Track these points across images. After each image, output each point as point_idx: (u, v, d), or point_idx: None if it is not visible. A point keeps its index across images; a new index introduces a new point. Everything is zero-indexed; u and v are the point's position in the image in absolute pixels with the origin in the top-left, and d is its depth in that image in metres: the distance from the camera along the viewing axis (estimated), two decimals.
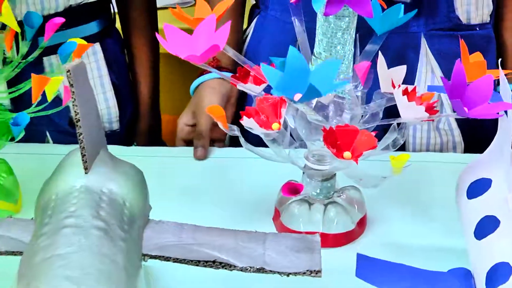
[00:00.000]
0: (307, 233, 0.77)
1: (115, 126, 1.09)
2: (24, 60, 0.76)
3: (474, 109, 0.64)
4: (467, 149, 1.06)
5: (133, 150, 1.01)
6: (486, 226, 0.67)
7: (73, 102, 0.63)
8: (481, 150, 0.75)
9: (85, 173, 0.65)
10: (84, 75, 0.65)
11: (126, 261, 0.59)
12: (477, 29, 1.00)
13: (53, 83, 0.69)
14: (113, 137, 1.05)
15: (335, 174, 0.79)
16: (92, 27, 1.02)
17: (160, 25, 1.15)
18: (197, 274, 0.71)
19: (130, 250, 0.61)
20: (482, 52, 0.95)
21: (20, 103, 0.80)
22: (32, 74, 0.69)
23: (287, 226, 0.79)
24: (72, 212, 0.61)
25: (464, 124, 1.03)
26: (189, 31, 0.72)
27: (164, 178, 0.87)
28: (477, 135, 1.04)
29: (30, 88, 0.76)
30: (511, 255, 0.62)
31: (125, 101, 1.10)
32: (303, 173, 0.79)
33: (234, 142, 1.05)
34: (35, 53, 0.79)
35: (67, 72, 0.63)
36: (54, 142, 1.03)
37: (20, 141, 0.79)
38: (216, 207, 0.86)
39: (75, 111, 0.63)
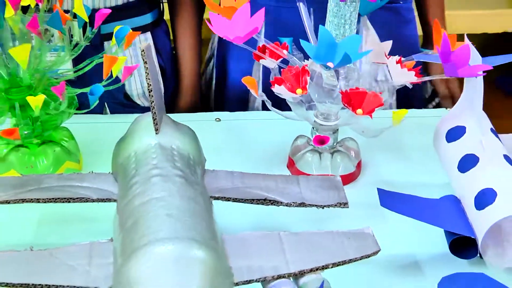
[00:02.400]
0: (321, 175, 0.86)
1: None
2: (85, 44, 0.81)
3: (460, 70, 0.73)
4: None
5: None
6: (467, 162, 0.76)
7: (146, 75, 0.68)
8: None
9: (156, 133, 0.70)
10: (152, 54, 0.72)
11: (203, 201, 0.64)
12: (401, 2, 1.14)
13: (119, 62, 0.75)
14: None
15: (338, 129, 0.88)
16: (146, 18, 1.05)
17: None
18: (241, 212, 0.77)
19: (203, 192, 0.67)
20: (407, 21, 1.15)
21: (81, 79, 0.85)
22: (105, 55, 0.74)
23: (302, 171, 0.86)
24: (155, 165, 0.66)
25: (400, 93, 1.13)
26: None
27: None
28: (406, 99, 1.17)
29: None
30: (493, 183, 0.71)
31: (169, 81, 1.13)
32: (313, 128, 0.87)
33: None
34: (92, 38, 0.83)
35: (142, 51, 0.68)
36: (111, 112, 1.08)
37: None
38: (237, 159, 0.91)
39: (148, 83, 0.69)
